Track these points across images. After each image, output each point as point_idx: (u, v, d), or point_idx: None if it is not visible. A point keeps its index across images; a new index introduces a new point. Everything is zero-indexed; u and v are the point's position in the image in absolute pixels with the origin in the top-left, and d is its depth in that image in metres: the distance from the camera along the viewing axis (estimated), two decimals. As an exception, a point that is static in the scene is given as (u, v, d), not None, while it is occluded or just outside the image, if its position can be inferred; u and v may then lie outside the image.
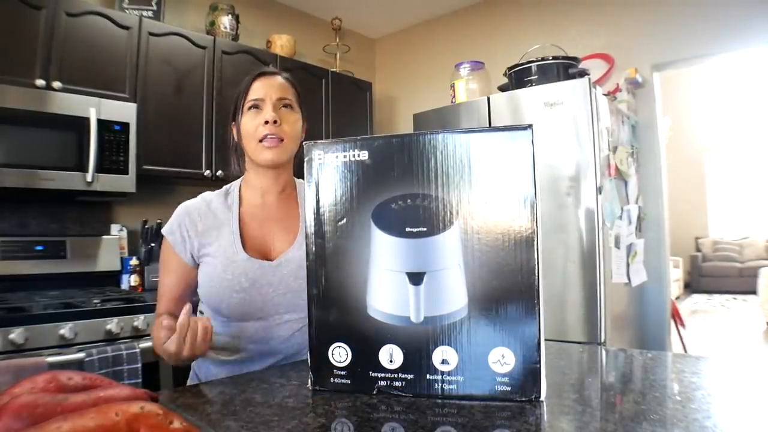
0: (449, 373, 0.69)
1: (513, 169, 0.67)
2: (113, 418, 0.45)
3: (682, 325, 3.02)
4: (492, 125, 2.26)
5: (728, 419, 0.61)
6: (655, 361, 0.90)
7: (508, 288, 0.67)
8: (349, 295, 0.73)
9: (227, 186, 1.14)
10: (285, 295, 1.02)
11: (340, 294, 0.73)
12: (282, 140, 1.04)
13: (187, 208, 1.08)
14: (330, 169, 0.74)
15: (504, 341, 0.67)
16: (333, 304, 0.74)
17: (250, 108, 1.05)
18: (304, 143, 0.77)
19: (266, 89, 1.06)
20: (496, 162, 0.68)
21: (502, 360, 0.67)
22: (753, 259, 7.72)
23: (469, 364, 0.68)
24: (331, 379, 0.74)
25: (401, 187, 0.70)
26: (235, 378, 0.87)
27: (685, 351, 3.15)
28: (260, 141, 1.03)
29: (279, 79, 1.09)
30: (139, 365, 1.74)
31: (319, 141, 0.75)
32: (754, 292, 6.27)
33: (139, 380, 1.72)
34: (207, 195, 1.11)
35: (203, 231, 1.06)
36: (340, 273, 0.73)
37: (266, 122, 1.02)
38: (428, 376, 0.70)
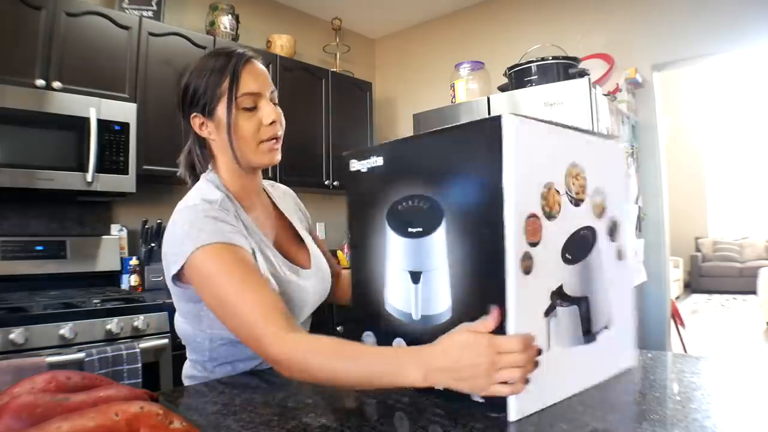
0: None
1: (489, 163, 0.62)
2: (113, 418, 0.45)
3: (682, 325, 3.02)
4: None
5: (728, 419, 0.61)
6: (655, 361, 0.90)
7: (485, 292, 0.63)
8: (373, 291, 0.78)
9: (204, 195, 0.89)
10: (317, 303, 1.00)
11: (365, 290, 0.79)
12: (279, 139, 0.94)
13: (204, 204, 0.87)
14: (359, 175, 0.79)
15: None
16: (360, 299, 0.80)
17: (245, 107, 0.89)
18: (343, 154, 0.80)
19: (260, 81, 0.90)
20: (473, 158, 0.65)
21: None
22: (753, 259, 7.72)
23: None
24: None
25: (407, 189, 0.72)
26: (235, 378, 0.87)
27: (685, 351, 3.15)
28: (260, 143, 0.90)
29: (263, 67, 0.94)
30: (139, 365, 1.74)
31: (356, 150, 0.80)
32: (754, 292, 6.26)
33: (139, 380, 1.72)
34: (208, 198, 0.89)
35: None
36: (366, 270, 0.79)
37: (272, 122, 0.89)
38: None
